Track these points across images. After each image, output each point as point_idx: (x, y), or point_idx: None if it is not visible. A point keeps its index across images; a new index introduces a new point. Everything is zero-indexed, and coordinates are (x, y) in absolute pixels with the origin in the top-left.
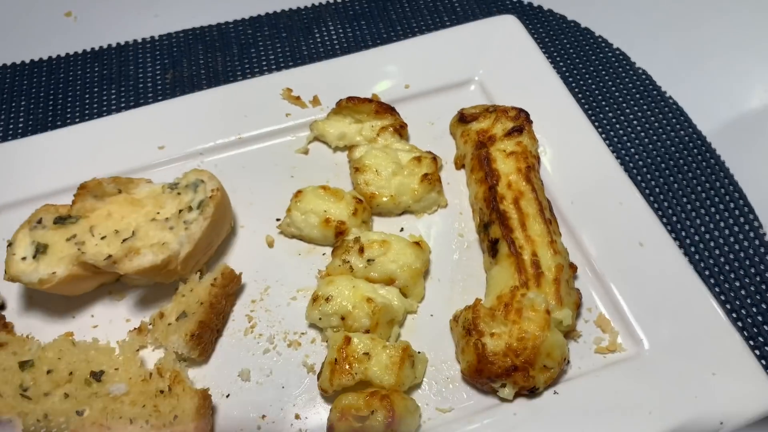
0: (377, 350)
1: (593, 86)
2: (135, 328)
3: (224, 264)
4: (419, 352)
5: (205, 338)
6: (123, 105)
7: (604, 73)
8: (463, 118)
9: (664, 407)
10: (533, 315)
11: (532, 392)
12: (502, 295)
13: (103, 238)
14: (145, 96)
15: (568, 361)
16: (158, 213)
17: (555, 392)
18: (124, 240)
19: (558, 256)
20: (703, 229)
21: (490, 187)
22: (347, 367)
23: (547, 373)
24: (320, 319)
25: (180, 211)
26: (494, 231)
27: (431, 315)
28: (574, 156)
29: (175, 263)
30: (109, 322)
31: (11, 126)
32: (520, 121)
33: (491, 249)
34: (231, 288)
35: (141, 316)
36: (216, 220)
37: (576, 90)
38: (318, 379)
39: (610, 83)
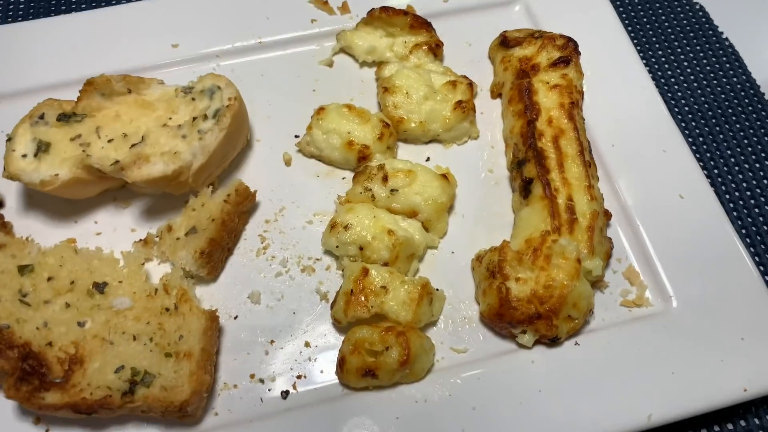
0: (395, 284)
1: (645, 20)
2: (140, 240)
3: (238, 180)
4: (438, 290)
5: (215, 256)
6: None
7: (657, 5)
8: (505, 42)
9: (688, 369)
10: (563, 263)
11: (553, 341)
12: (531, 239)
13: (110, 141)
14: None
15: (592, 312)
16: (170, 118)
17: (576, 343)
18: (132, 145)
19: (594, 203)
20: (745, 185)
21: (528, 121)
22: (363, 299)
23: (570, 324)
24: (337, 247)
25: (194, 118)
26: (529, 170)
27: (452, 252)
28: (620, 95)
29: (186, 175)
30: (113, 231)
31: (11, 7)
32: (568, 52)
33: (523, 189)
34: (245, 206)
35: (147, 227)
36: (232, 131)
37: (626, 23)
38: (331, 308)
39: (663, 17)
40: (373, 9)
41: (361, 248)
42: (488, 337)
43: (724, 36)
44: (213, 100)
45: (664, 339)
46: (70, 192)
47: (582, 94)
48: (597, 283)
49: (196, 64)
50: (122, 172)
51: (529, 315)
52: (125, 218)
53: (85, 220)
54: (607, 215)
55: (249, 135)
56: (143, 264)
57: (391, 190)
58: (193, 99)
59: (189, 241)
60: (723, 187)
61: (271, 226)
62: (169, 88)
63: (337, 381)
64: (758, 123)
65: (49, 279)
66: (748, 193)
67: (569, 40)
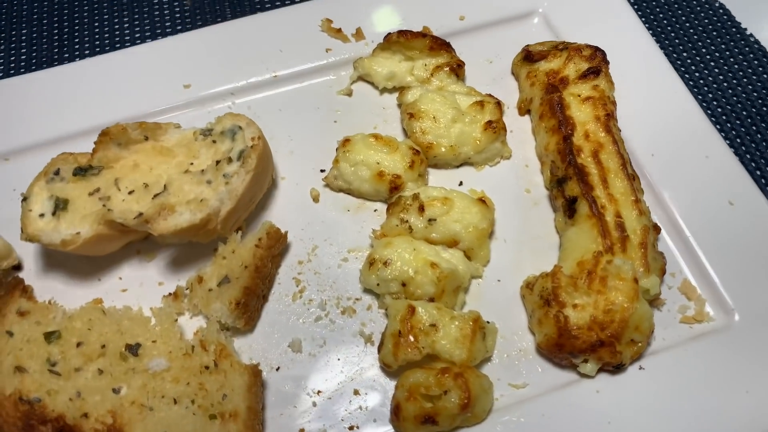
0: (445, 321)
1: (665, 22)
2: (170, 293)
3: (269, 222)
4: (488, 322)
5: (251, 306)
6: (138, 37)
7: (677, 7)
8: (529, 57)
9: (763, 386)
10: (620, 284)
11: (617, 368)
12: (584, 261)
13: (130, 192)
14: (162, 27)
15: (653, 333)
16: (191, 164)
17: (640, 367)
18: (155, 195)
19: (643, 217)
20: None
21: (564, 137)
22: (412, 339)
23: (633, 348)
24: (378, 284)
25: (217, 162)
26: (571, 188)
27: (498, 280)
28: (653, 102)
29: (215, 222)
30: (139, 286)
31: (12, 60)
32: (597, 62)
33: (567, 208)
34: (277, 249)
35: (175, 279)
36: (259, 172)
37: (647, 27)
38: (378, 351)
39: (684, 18)
40: (390, 33)
41: (403, 284)
42: (547, 369)
43: (748, 32)
44: (235, 141)
45: (731, 355)
46: (92, 249)
47: (615, 104)
48: (654, 302)
49: (210, 104)
50: (147, 225)
51: (591, 343)
52: (151, 271)
53: (109, 277)
54: (657, 229)
55: (274, 173)
56: (176, 320)
57: (429, 220)
58: (214, 141)
59: (222, 292)
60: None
61: (305, 267)
62: (187, 131)
63: (393, 430)
64: None
65: (78, 344)
66: None
67: (596, 49)
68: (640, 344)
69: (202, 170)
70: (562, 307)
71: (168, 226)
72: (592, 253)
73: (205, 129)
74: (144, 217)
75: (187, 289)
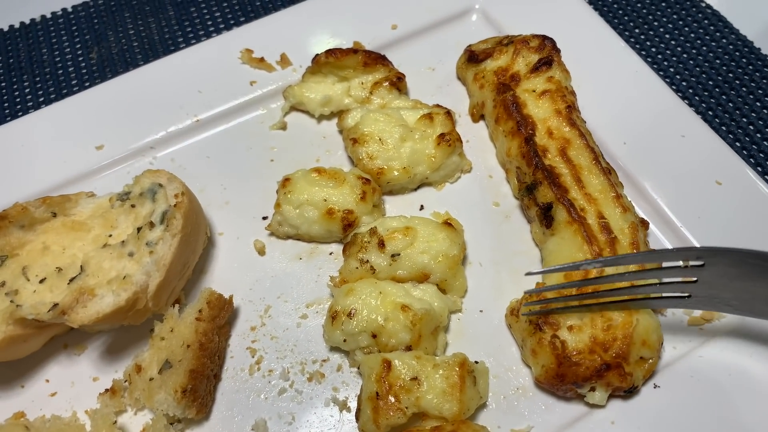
0: (427, 372)
1: (612, 1)
2: (106, 390)
3: (208, 289)
4: (477, 363)
5: (200, 390)
6: (41, 99)
7: None
8: (473, 57)
9: None
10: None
11: (630, 392)
12: (571, 274)
13: (42, 281)
14: (68, 84)
15: (662, 344)
16: (110, 236)
17: (655, 386)
18: (71, 279)
19: (628, 214)
20: None
21: (526, 138)
22: (393, 400)
23: (644, 366)
24: (345, 340)
25: (138, 229)
26: (543, 193)
27: (480, 311)
28: (615, 87)
29: (144, 300)
30: (70, 386)
31: None
32: (547, 52)
33: (543, 216)
34: (222, 318)
35: (111, 372)
36: (188, 234)
37: (594, 7)
38: (357, 419)
39: None
40: (317, 55)
41: (374, 336)
42: (551, 405)
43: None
44: (156, 201)
45: (750, 352)
46: (7, 354)
47: (574, 94)
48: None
49: (128, 163)
50: (64, 316)
51: (595, 368)
52: (82, 366)
53: (33, 382)
54: (645, 224)
55: (209, 230)
56: (115, 422)
57: (392, 256)
58: (133, 206)
59: (165, 380)
60: (752, 160)
61: (259, 333)
62: (102, 199)
63: None
64: (764, 81)
65: None
66: None
67: (544, 38)
68: (651, 361)
69: (123, 242)
70: (555, 330)
71: (89, 315)
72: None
73: (121, 193)
74: (60, 308)
75: (125, 381)
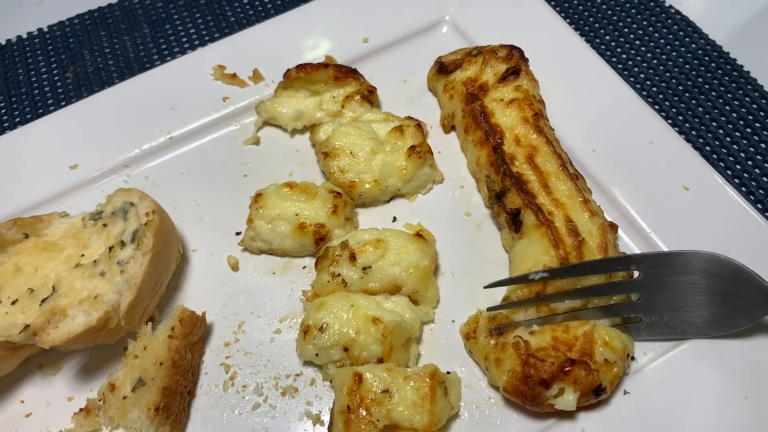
0: (398, 384)
1: (581, 8)
2: (81, 409)
3: (180, 306)
4: (449, 373)
5: (173, 407)
6: (17, 119)
7: None
8: (443, 69)
9: (761, 388)
10: None
11: (597, 394)
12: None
13: (14, 302)
14: (44, 104)
15: (631, 356)
16: (82, 256)
17: (625, 392)
18: (43, 300)
19: (597, 217)
20: (743, 155)
21: (494, 147)
22: (364, 413)
23: (611, 371)
24: (317, 355)
25: (110, 248)
26: (512, 200)
27: (453, 321)
28: (583, 94)
29: (116, 319)
30: (45, 406)
31: None
32: (514, 61)
33: (512, 222)
34: (195, 335)
35: (85, 391)
36: (159, 251)
37: (563, 15)
38: None
39: (598, 0)
40: (289, 70)
41: (346, 349)
42: (523, 414)
43: (667, 4)
44: (128, 220)
45: (721, 357)
46: None
47: (543, 102)
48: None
49: (103, 182)
50: (36, 337)
51: (561, 362)
52: (57, 387)
53: (8, 403)
54: (614, 228)
55: (182, 247)
56: None
57: (364, 269)
58: (105, 225)
59: (138, 398)
60: (721, 164)
61: (232, 349)
62: (75, 218)
63: None
64: (733, 85)
65: None
66: (749, 162)
67: (512, 48)
68: (616, 365)
69: (95, 261)
70: (513, 330)
71: (60, 335)
72: (542, 266)
73: (94, 212)
74: (31, 329)
75: (99, 400)
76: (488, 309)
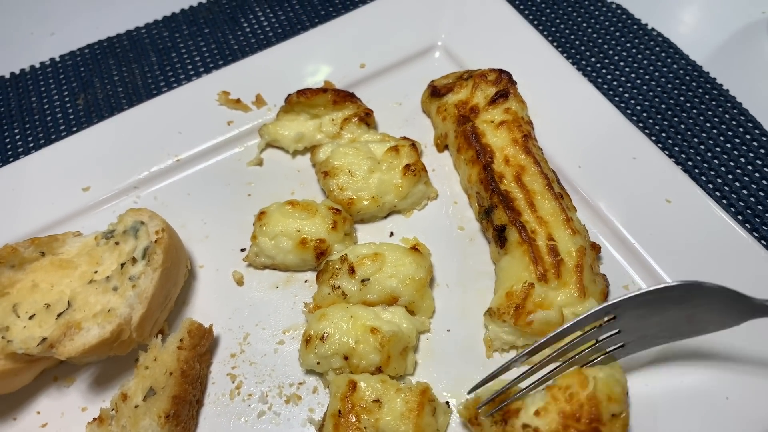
0: (390, 395)
1: (567, 31)
2: (94, 419)
3: (189, 319)
4: (447, 404)
5: (183, 415)
6: (31, 145)
7: (575, 14)
8: (436, 92)
9: (742, 389)
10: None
11: None
12: (513, 292)
13: (31, 317)
14: (56, 130)
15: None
16: (96, 272)
17: None
18: (59, 314)
19: (578, 237)
20: (723, 169)
21: (484, 166)
22: (354, 419)
23: (617, 422)
24: (318, 363)
25: (122, 265)
26: (498, 216)
27: (448, 330)
28: (569, 114)
29: (128, 331)
30: (60, 417)
31: None
32: (503, 84)
33: (497, 237)
34: (203, 346)
35: (98, 401)
36: (168, 267)
37: (550, 39)
38: None
39: (584, 25)
40: (290, 95)
41: (346, 358)
42: None
43: (649, 27)
44: (138, 238)
45: (702, 361)
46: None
47: (531, 123)
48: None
49: (114, 203)
50: (52, 349)
51: None
52: (72, 398)
53: (25, 414)
54: (596, 248)
55: (189, 263)
56: None
57: (362, 281)
58: (117, 243)
59: (150, 406)
60: (703, 178)
61: (238, 359)
62: (88, 237)
63: None
64: (713, 103)
65: None
66: (730, 176)
67: (501, 72)
68: (623, 415)
69: (107, 277)
70: (521, 418)
71: (76, 347)
72: (522, 283)
73: (106, 231)
74: (48, 341)
75: (112, 410)
76: (469, 392)
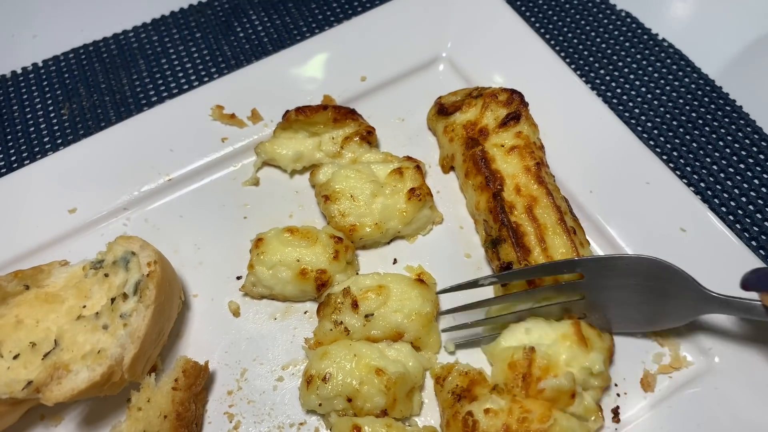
0: None
1: (575, 41)
2: None
3: (183, 357)
4: None
5: None
6: (13, 158)
7: (584, 23)
8: (443, 110)
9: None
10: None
11: None
12: (515, 363)
13: (16, 357)
14: (40, 142)
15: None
16: (84, 307)
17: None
18: (45, 355)
19: None
20: (737, 191)
21: (494, 194)
22: None
23: None
24: (320, 405)
25: (112, 300)
26: (506, 252)
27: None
28: (580, 135)
29: (119, 373)
30: None
31: None
32: (515, 106)
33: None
34: (198, 385)
35: None
36: (162, 303)
37: (557, 48)
38: None
39: (593, 35)
40: (288, 112)
41: (349, 400)
42: None
43: (660, 38)
44: (129, 270)
45: (718, 402)
46: None
47: (542, 148)
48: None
49: (102, 225)
50: (38, 394)
51: None
52: None
53: None
54: None
55: (183, 294)
56: None
57: (366, 316)
58: (106, 275)
59: None
60: (716, 200)
61: (235, 397)
62: (75, 267)
63: None
64: (726, 120)
65: None
66: (744, 199)
67: (513, 92)
68: None
69: (97, 313)
70: (471, 406)
71: (64, 392)
72: (522, 349)
73: (95, 261)
74: (34, 385)
75: None
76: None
